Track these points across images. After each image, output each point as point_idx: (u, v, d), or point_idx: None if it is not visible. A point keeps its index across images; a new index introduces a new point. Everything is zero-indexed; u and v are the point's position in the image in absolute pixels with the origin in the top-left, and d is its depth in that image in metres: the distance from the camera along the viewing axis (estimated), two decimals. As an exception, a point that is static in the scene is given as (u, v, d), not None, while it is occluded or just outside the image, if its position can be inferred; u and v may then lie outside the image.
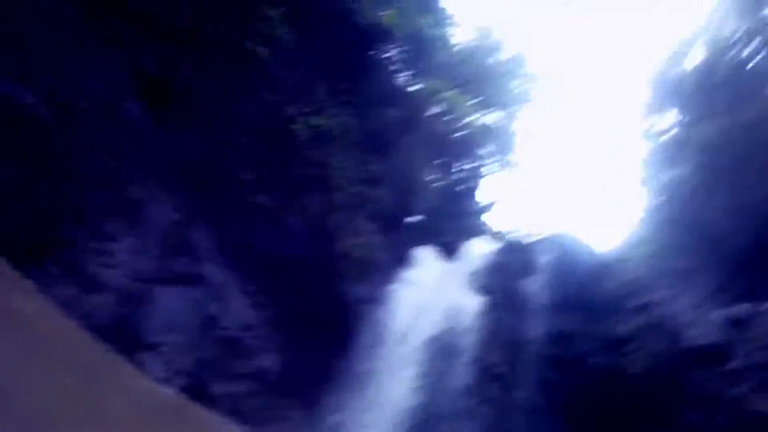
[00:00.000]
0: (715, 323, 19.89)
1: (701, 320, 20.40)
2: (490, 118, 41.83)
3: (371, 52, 25.50)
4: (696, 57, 33.71)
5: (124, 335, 11.52)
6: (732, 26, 30.11)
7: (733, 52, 28.85)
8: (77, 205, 10.72)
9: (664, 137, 34.19)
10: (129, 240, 11.82)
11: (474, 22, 39.71)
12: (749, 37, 28.81)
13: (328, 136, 21.37)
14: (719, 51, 29.09)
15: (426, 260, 26.59)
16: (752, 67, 28.18)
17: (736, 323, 19.51)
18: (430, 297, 23.68)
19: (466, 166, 39.48)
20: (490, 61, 39.10)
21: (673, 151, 31.09)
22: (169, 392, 10.57)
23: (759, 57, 28.82)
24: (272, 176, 18.22)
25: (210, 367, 14.28)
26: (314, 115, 20.78)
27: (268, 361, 16.83)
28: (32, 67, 10.10)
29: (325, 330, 19.79)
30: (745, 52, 29.50)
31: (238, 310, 15.89)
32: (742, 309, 19.89)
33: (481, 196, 42.72)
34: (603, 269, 25.49)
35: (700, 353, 19.30)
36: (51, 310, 9.06)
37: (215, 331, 14.73)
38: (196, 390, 13.23)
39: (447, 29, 35.68)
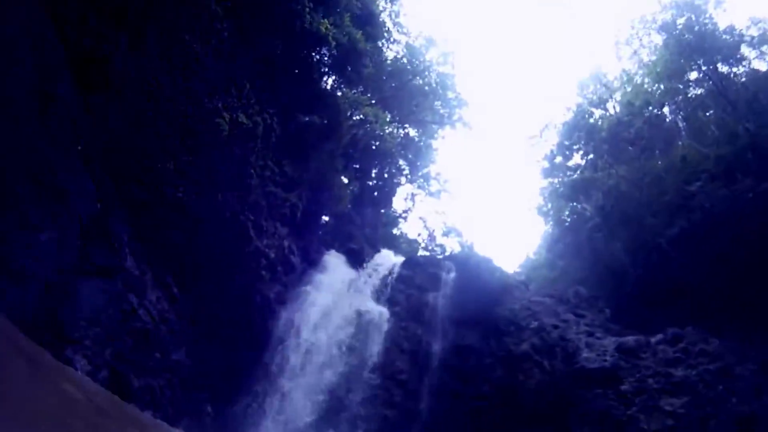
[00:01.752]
0: (608, 350, 21.27)
1: (594, 346, 21.75)
2: (411, 132, 42.82)
3: (304, 57, 25.63)
4: (612, 108, 36.30)
5: (49, 329, 11.14)
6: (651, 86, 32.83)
7: (649, 110, 31.38)
8: (4, 193, 10.27)
9: (573, 175, 36.33)
10: (53, 231, 11.40)
11: (412, 36, 40.14)
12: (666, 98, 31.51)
13: (250, 134, 21.31)
14: (636, 108, 31.51)
15: (336, 265, 26.91)
16: (664, 126, 30.77)
17: (628, 351, 20.99)
18: (338, 302, 23.99)
19: (383, 177, 40.15)
20: (418, 80, 39.89)
21: (580, 188, 33.10)
22: (94, 386, 10.31)
23: (670, 119, 31.49)
24: (192, 170, 18.00)
25: (129, 360, 13.99)
26: (239, 112, 20.71)
27: (181, 354, 16.60)
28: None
29: (237, 326, 19.78)
30: (660, 112, 32.19)
31: (154, 304, 15.61)
32: (632, 339, 21.43)
33: (394, 206, 43.65)
34: (505, 289, 26.54)
35: (593, 376, 20.57)
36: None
37: (133, 323, 14.42)
38: (117, 384, 12.94)
39: (381, 43, 36.20)
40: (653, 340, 21.29)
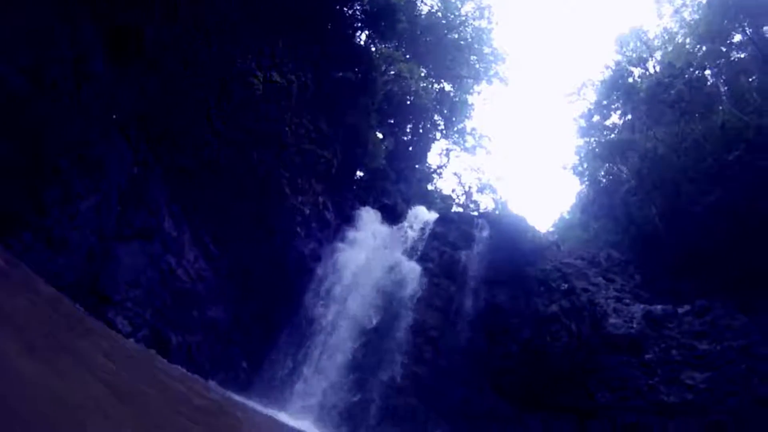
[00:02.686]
0: (635, 317, 21.29)
1: (622, 312, 21.77)
2: (446, 87, 42.41)
3: (337, 12, 25.44)
4: (652, 67, 35.27)
5: (92, 293, 11.64)
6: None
7: (690, 72, 30.34)
8: (49, 169, 10.65)
9: (611, 135, 35.65)
10: (93, 198, 11.80)
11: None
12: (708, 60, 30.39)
13: (284, 92, 21.39)
14: (677, 69, 30.53)
15: (370, 222, 27.16)
16: (705, 90, 29.70)
17: (654, 320, 20.98)
18: (372, 258, 24.28)
19: (417, 132, 40.01)
20: (453, 34, 39.28)
21: (616, 149, 32.51)
22: (135, 345, 10.80)
23: (711, 82, 30.40)
24: (227, 130, 18.23)
25: (167, 319, 14.52)
26: (272, 70, 20.75)
27: (218, 311, 17.12)
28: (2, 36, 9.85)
29: (273, 283, 20.26)
30: (702, 74, 31.12)
31: (192, 263, 16.06)
32: (660, 308, 21.38)
33: (428, 162, 43.57)
34: (537, 249, 26.57)
35: (618, 342, 20.67)
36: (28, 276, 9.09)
37: (172, 283, 14.91)
38: (156, 342, 13.49)
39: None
40: (681, 310, 21.33)
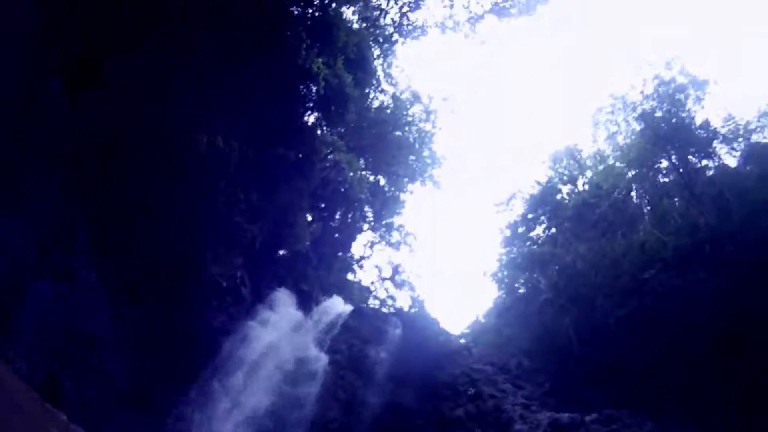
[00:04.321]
0: (541, 424, 21.31)
1: (528, 419, 21.76)
2: (381, 181, 43.16)
3: (291, 90, 25.80)
4: (581, 187, 37.13)
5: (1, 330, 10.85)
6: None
7: (615, 195, 32.12)
8: None
9: (533, 247, 36.80)
10: (16, 232, 11.18)
11: (399, 89, 40.81)
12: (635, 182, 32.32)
13: (223, 159, 21.25)
14: (604, 191, 32.26)
15: (285, 304, 26.61)
16: (629, 210, 31.43)
17: (561, 428, 21.04)
18: (281, 341, 23.68)
19: (346, 221, 40.17)
20: (398, 132, 40.45)
21: (537, 261, 33.51)
22: (27, 391, 10.00)
23: (636, 203, 32.23)
24: (160, 184, 17.82)
25: (66, 364, 13.62)
26: (218, 134, 20.67)
27: (118, 365, 16.15)
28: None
29: (179, 348, 19.27)
30: (627, 195, 32.96)
31: (99, 309, 15.26)
32: (567, 416, 21.51)
33: (352, 252, 43.55)
34: (447, 353, 26.52)
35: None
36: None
37: (77, 328, 14.07)
38: (51, 387, 12.57)
39: (368, 90, 36.70)
40: (588, 418, 21.31)
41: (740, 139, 32.63)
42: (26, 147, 11.26)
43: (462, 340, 34.58)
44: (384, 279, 45.46)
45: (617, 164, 36.38)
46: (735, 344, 20.27)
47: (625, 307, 23.91)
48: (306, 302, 28.29)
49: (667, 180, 33.49)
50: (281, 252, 30.87)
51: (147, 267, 17.55)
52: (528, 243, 39.13)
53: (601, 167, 37.70)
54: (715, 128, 32.47)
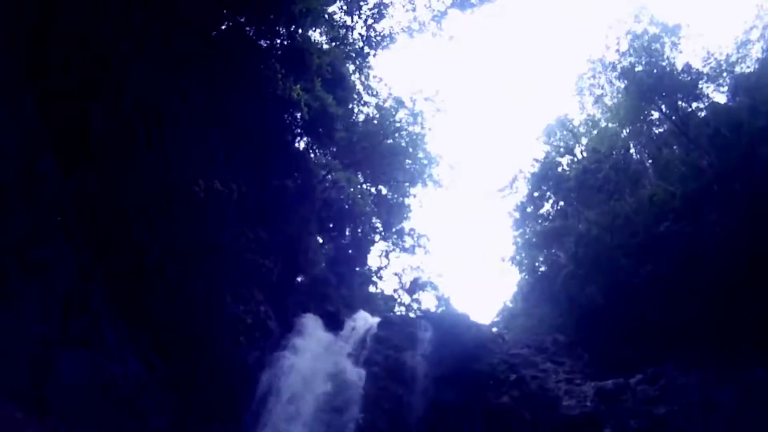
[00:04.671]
0: (588, 395, 21.41)
1: (574, 393, 21.86)
2: (383, 191, 43.54)
3: (276, 121, 26.18)
4: (580, 155, 37.37)
5: (35, 400, 11.09)
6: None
7: (614, 156, 32.29)
8: None
9: (545, 224, 37.05)
10: (35, 304, 11.50)
11: (381, 98, 41.22)
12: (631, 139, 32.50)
13: (225, 201, 21.58)
14: (602, 154, 32.45)
15: (313, 328, 26.84)
16: (631, 168, 31.58)
17: (607, 395, 21.16)
18: (317, 365, 23.91)
19: (357, 236, 40.50)
20: (389, 140, 40.83)
21: (551, 236, 33.67)
22: None
23: (636, 159, 32.39)
24: (169, 238, 18.12)
25: (111, 429, 13.87)
26: (214, 179, 20.99)
27: (163, 423, 16.40)
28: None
29: (217, 393, 19.46)
30: (627, 153, 33.15)
31: (133, 373, 15.52)
32: (611, 382, 21.62)
33: (369, 264, 43.87)
34: (481, 344, 26.64)
35: (575, 422, 20.63)
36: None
37: (114, 393, 14.34)
38: None
39: (351, 106, 37.11)
40: (632, 381, 21.35)
41: (725, 74, 32.77)
42: (35, 223, 11.61)
43: (494, 329, 34.73)
44: (404, 285, 45.69)
45: (610, 125, 36.62)
46: (756, 278, 20.36)
47: (646, 265, 23.94)
48: (333, 322, 28.43)
49: (661, 130, 33.65)
50: (299, 279, 31.15)
51: (170, 321, 17.80)
52: (539, 221, 39.39)
53: (594, 132, 37.96)
54: (698, 69, 32.70)
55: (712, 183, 23.68)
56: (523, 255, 39.52)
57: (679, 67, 32.53)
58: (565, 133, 40.26)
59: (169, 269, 17.84)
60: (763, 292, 19.67)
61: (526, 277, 38.74)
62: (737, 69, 32.58)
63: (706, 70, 33.00)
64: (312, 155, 32.63)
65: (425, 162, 44.06)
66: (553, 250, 34.07)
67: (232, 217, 21.97)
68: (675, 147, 30.57)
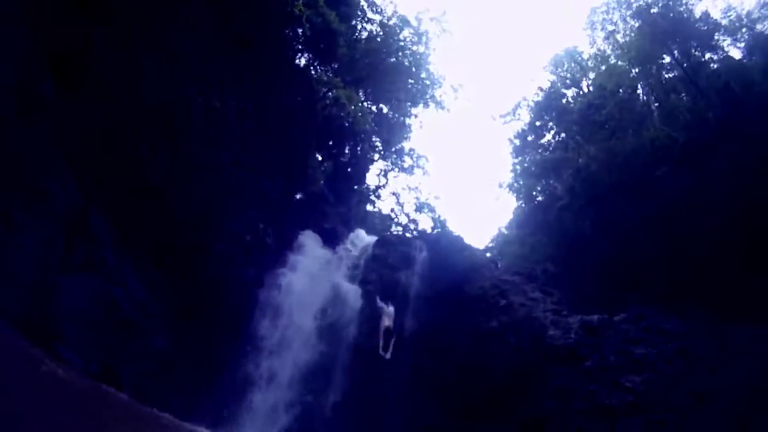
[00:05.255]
0: (573, 327, 22.09)
1: (560, 324, 22.55)
2: (384, 109, 43.23)
3: (278, 37, 25.74)
4: (586, 88, 36.89)
5: (39, 327, 11.45)
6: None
7: (620, 95, 31.90)
8: None
9: (545, 154, 37.08)
10: (37, 231, 11.68)
11: (386, 16, 40.31)
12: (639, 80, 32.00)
13: (224, 119, 21.50)
14: (608, 91, 32.04)
15: (311, 246, 27.29)
16: (636, 108, 31.24)
17: (591, 329, 21.84)
18: (314, 282, 24.48)
19: (356, 154, 40.51)
20: (391, 59, 40.17)
21: (550, 167, 33.76)
22: (86, 381, 10.67)
23: (642, 100, 32.06)
24: (168, 158, 18.15)
25: (115, 351, 14.40)
26: (213, 96, 20.84)
27: (164, 341, 16.97)
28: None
29: (216, 311, 20.06)
30: (633, 93, 32.73)
31: (135, 294, 15.93)
32: (596, 318, 22.26)
33: (367, 183, 44.11)
34: (474, 268, 27.17)
35: (558, 353, 21.41)
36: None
37: (117, 315, 14.79)
38: (107, 375, 13.35)
39: (355, 23, 36.35)
40: (616, 318, 22.08)
41: (743, 30, 31.90)
42: (34, 150, 11.64)
43: (488, 254, 35.37)
44: (402, 204, 46.06)
45: (619, 63, 35.95)
46: (749, 235, 20.59)
47: (641, 207, 24.32)
48: (331, 240, 28.86)
49: (671, 75, 33.02)
50: (298, 196, 31.43)
51: (171, 241, 18.08)
52: (539, 150, 39.38)
53: (603, 68, 37.29)
54: (716, 20, 31.82)
55: (716, 136, 23.57)
56: (521, 183, 39.79)
57: (697, 14, 31.75)
58: (573, 65, 39.60)
59: (168, 189, 18.01)
60: (756, 250, 19.98)
61: (523, 205, 39.13)
62: (757, 27, 31.65)
63: (724, 22, 32.09)
64: (313, 72, 32.21)
65: (428, 82, 43.59)
66: (551, 181, 34.25)
67: (231, 134, 21.96)
68: (683, 94, 30.06)
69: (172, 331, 17.77)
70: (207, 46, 20.44)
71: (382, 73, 39.72)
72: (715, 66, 29.60)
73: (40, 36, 12.23)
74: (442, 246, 28.49)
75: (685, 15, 31.32)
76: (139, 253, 16.92)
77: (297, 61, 29.68)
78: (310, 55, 30.64)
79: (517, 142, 41.49)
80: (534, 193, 38.07)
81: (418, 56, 42.08)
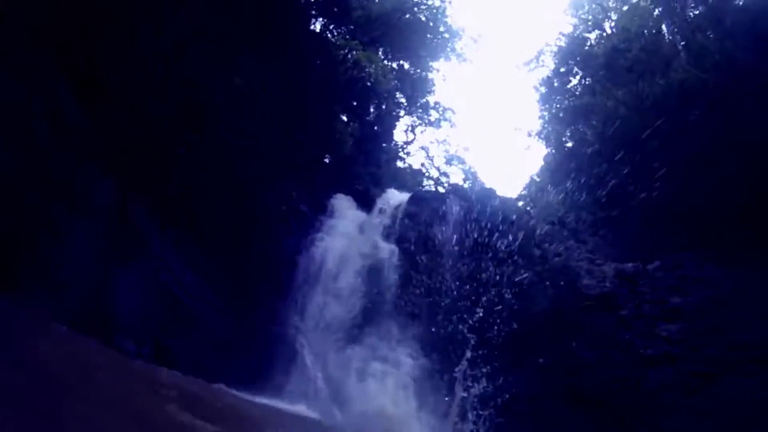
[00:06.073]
0: (607, 275, 22.21)
1: (595, 272, 22.66)
2: (405, 66, 43.09)
3: (292, 5, 25.77)
4: (609, 30, 36.07)
5: (97, 323, 12.08)
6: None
7: (644, 37, 31.04)
8: (39, 212, 10.98)
9: (572, 100, 36.59)
10: (82, 232, 12.24)
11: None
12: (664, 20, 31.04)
13: (247, 93, 21.72)
14: (632, 33, 31.24)
15: (345, 208, 27.75)
16: (662, 50, 30.40)
17: (626, 278, 21.91)
18: (351, 244, 25.00)
19: (381, 112, 40.62)
20: (408, 16, 39.86)
21: (579, 113, 33.35)
22: (143, 364, 11.32)
23: (669, 40, 31.13)
24: (197, 143, 18.48)
25: (171, 336, 15.15)
26: (234, 75, 21.03)
27: (216, 321, 17.67)
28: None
29: (263, 283, 20.74)
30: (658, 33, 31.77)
31: (185, 280, 16.59)
32: (630, 266, 22.30)
33: (395, 140, 44.29)
34: (507, 219, 27.36)
35: (594, 301, 21.60)
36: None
37: (169, 302, 15.50)
38: (160, 355, 14.11)
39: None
40: (651, 266, 22.12)
41: None
42: (67, 160, 12.07)
43: (520, 203, 35.44)
44: (432, 158, 46.16)
45: (641, 2, 35.02)
46: None
47: (674, 151, 23.95)
48: (364, 201, 29.28)
49: (696, 13, 31.85)
50: (327, 160, 31.84)
51: (210, 224, 18.48)
52: (567, 96, 38.92)
53: (625, 8, 36.41)
54: None
55: (748, 78, 22.86)
56: (550, 130, 39.42)
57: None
58: (594, 6, 38.73)
59: (201, 175, 18.39)
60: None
61: (553, 152, 38.82)
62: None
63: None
64: (330, 36, 32.23)
65: (447, 36, 43.13)
66: (581, 127, 33.89)
67: (256, 109, 22.26)
68: (709, 33, 28.99)
69: (224, 310, 18.46)
70: (222, 24, 20.57)
71: (400, 31, 39.45)
72: (741, 2, 28.35)
73: (62, 62, 12.52)
74: (475, 199, 28.66)
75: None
76: (184, 244, 17.45)
77: (312, 26, 29.70)
78: (325, 20, 30.62)
79: (543, 89, 41.00)
80: (564, 139, 37.76)
81: (435, 10, 41.64)
